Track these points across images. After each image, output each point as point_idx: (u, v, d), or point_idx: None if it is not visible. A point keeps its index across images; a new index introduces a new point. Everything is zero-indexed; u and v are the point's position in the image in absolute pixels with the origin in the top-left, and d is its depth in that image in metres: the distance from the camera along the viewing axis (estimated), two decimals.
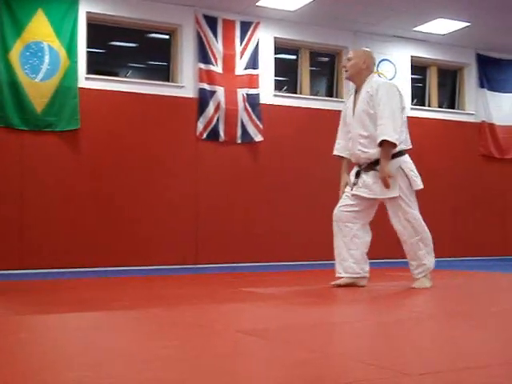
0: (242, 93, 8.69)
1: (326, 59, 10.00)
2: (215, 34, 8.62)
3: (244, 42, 8.78)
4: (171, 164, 8.36)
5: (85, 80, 7.92)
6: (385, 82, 5.04)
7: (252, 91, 8.78)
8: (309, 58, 9.57)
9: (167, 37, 8.76)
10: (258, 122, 8.79)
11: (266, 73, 9.03)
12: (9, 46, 7.46)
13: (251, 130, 8.76)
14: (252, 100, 8.76)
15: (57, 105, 7.66)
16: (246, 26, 8.81)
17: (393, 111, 4.72)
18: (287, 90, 9.53)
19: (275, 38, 9.14)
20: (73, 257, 7.63)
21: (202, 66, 8.53)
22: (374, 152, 4.80)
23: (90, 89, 7.91)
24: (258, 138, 8.81)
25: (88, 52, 8.05)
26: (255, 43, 8.87)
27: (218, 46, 8.61)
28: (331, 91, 9.84)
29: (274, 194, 8.93)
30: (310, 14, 8.92)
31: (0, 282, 5.86)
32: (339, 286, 4.93)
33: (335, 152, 5.20)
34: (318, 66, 10.00)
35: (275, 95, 9.13)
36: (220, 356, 2.43)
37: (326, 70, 10.06)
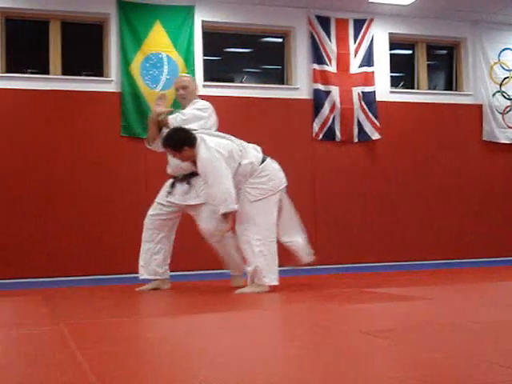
0: (357, 91, 8.60)
1: (444, 52, 9.70)
2: (328, 33, 8.58)
3: (358, 40, 8.69)
4: (288, 166, 8.32)
5: (202, 87, 8.10)
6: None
7: (367, 89, 8.67)
8: (425, 51, 9.33)
9: (281, 40, 8.81)
10: (375, 120, 8.66)
11: (382, 70, 8.89)
12: (130, 59, 7.77)
13: (368, 128, 8.65)
14: (368, 98, 8.65)
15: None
16: (359, 24, 8.71)
17: None
18: (404, 86, 9.33)
19: (390, 33, 8.98)
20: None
21: (316, 66, 8.52)
22: (189, 165, 5.10)
23: (207, 96, 8.07)
24: (376, 136, 8.68)
25: (204, 60, 8.24)
26: (369, 40, 8.75)
27: (331, 46, 8.57)
28: (450, 84, 9.54)
29: (392, 192, 8.76)
30: (425, 7, 8.69)
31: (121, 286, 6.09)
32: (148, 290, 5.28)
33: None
34: (435, 60, 9.73)
35: (391, 92, 8.97)
36: (343, 356, 2.40)
37: (444, 63, 9.76)
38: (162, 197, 5.37)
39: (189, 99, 5.49)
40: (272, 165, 5.15)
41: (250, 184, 4.91)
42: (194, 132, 4.94)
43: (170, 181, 5.41)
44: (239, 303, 4.35)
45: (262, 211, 4.85)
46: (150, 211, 5.37)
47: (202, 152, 4.79)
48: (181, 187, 5.30)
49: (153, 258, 5.28)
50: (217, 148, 4.84)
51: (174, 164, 5.30)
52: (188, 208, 5.30)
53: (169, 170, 5.44)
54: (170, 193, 5.30)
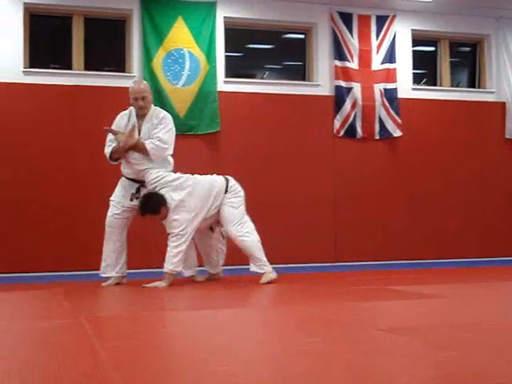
0: (379, 88, 8.55)
1: (467, 49, 9.62)
2: (350, 30, 8.54)
3: (380, 37, 8.64)
4: (309, 162, 8.38)
5: (224, 84, 8.12)
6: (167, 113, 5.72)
7: (389, 86, 8.62)
8: (448, 48, 9.25)
9: (302, 36, 8.79)
10: (397, 117, 8.61)
11: (404, 66, 8.83)
12: (152, 55, 7.80)
13: (389, 125, 8.60)
14: (390, 95, 8.60)
15: (198, 109, 7.91)
16: (381, 20, 8.66)
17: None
18: (426, 83, 9.26)
19: (412, 30, 8.92)
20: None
21: (338, 63, 8.49)
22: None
23: (228, 92, 8.10)
24: (397, 133, 8.63)
25: (226, 56, 8.25)
26: (392, 37, 8.69)
27: (353, 42, 8.53)
28: (473, 82, 9.46)
29: (413, 190, 8.71)
30: (448, 3, 8.62)
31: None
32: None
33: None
34: (458, 57, 9.65)
35: (414, 89, 8.91)
36: (361, 353, 2.40)
37: (468, 60, 9.68)
38: (123, 199, 5.54)
39: (147, 108, 5.59)
40: (236, 182, 5.68)
41: (229, 196, 5.51)
42: (157, 190, 5.36)
43: (132, 184, 5.55)
44: (257, 298, 4.36)
45: (243, 213, 5.58)
46: (114, 211, 5.53)
47: (170, 215, 5.27)
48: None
49: (122, 256, 5.52)
50: (184, 204, 5.29)
51: (137, 170, 5.50)
52: None
53: (130, 175, 5.57)
54: (137, 198, 5.50)
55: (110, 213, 5.54)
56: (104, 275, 5.53)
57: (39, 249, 7.31)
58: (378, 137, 8.58)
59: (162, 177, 5.43)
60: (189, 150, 7.89)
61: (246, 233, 5.47)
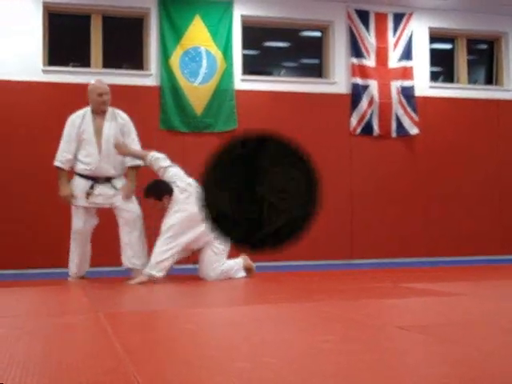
0: (395, 85, 8.54)
1: (485, 46, 9.57)
2: (367, 27, 8.53)
3: (397, 34, 8.62)
4: (325, 160, 8.35)
5: (240, 82, 8.15)
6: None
7: (406, 83, 8.60)
8: (466, 46, 9.21)
9: (319, 34, 8.79)
10: (414, 115, 8.59)
11: (421, 64, 8.81)
12: (169, 53, 7.84)
13: (406, 123, 8.58)
14: (406, 92, 8.58)
15: (215, 107, 7.95)
16: (398, 18, 8.64)
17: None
18: (443, 81, 9.23)
19: (429, 27, 8.89)
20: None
21: (355, 60, 8.48)
22: (110, 168, 5.56)
23: (245, 90, 8.13)
24: (414, 131, 8.61)
25: (243, 54, 8.27)
26: (409, 34, 8.67)
27: (370, 40, 8.52)
28: (490, 79, 9.41)
29: (430, 188, 8.69)
30: (466, 1, 8.58)
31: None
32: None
33: (61, 164, 5.55)
34: (475, 54, 9.60)
35: (431, 86, 8.88)
36: (379, 351, 2.41)
37: (485, 57, 9.63)
38: (80, 200, 5.55)
39: (107, 105, 5.67)
40: None
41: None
42: (171, 183, 5.47)
43: (86, 182, 5.54)
44: (272, 296, 4.38)
45: (223, 258, 5.57)
46: (79, 217, 5.57)
47: (172, 213, 5.31)
48: (103, 189, 5.56)
49: (86, 257, 5.70)
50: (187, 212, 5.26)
51: (96, 162, 5.51)
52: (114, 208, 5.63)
53: (86, 172, 5.55)
54: (89, 194, 5.53)
55: (78, 221, 5.58)
56: (74, 274, 5.67)
57: (41, 245, 7.38)
58: (394, 135, 8.56)
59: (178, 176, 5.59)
60: (205, 148, 7.87)
61: (220, 274, 5.51)
